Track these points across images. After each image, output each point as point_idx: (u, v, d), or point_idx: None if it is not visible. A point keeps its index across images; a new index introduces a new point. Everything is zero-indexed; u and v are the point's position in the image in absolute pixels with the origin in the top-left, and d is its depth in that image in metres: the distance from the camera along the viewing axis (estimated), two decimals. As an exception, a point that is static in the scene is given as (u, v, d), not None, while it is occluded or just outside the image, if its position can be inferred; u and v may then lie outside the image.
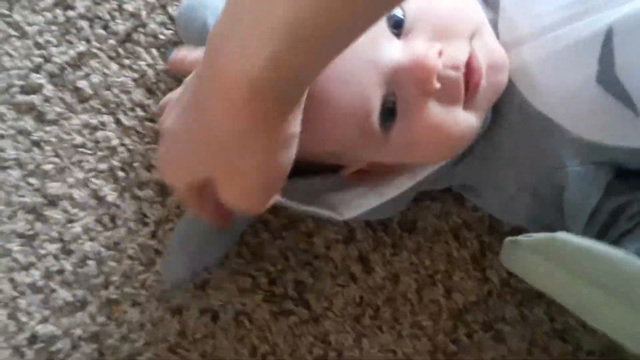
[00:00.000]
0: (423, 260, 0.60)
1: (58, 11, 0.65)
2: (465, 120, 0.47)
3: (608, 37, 0.44)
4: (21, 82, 0.64)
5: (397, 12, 0.47)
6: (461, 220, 0.60)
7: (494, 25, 0.50)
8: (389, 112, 0.47)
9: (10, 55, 0.65)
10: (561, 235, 0.40)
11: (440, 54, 0.45)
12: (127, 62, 0.64)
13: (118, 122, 0.63)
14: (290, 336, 0.59)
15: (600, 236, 0.46)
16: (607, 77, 0.44)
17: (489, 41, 0.48)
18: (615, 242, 0.44)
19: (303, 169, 0.48)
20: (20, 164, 0.63)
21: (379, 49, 0.45)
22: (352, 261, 0.60)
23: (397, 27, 0.47)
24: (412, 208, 0.60)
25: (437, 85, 0.45)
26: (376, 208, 0.53)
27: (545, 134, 0.47)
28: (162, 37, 0.64)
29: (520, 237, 0.44)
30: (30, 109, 0.64)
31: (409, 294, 0.59)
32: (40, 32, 0.65)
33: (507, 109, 0.49)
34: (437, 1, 0.48)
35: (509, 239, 0.45)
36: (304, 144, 0.41)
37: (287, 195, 0.53)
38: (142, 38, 0.64)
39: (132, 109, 0.63)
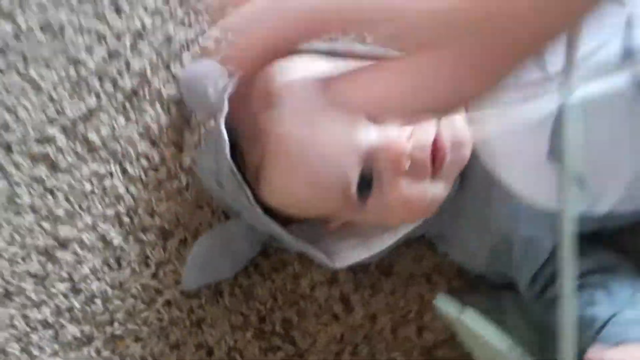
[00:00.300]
0: (398, 301, 0.66)
1: (71, 68, 0.71)
2: (432, 190, 0.54)
3: (560, 115, 0.51)
4: (36, 134, 0.70)
5: None
6: (433, 265, 0.66)
7: None
8: (366, 184, 0.53)
9: (26, 109, 0.71)
10: (466, 316, 0.47)
11: (410, 136, 0.52)
12: (133, 116, 0.70)
13: (124, 171, 0.70)
14: (278, 370, 0.66)
15: (542, 293, 0.53)
16: (558, 152, 0.51)
17: (455, 120, 0.55)
18: (552, 302, 0.51)
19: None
20: (34, 209, 0.69)
21: (358, 131, 0.52)
22: (334, 301, 0.66)
23: None
24: (389, 253, 0.67)
25: (407, 165, 0.52)
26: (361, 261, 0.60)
27: (503, 200, 0.54)
28: (165, 93, 0.71)
29: (436, 303, 0.51)
30: (44, 158, 0.70)
31: (385, 331, 0.66)
32: (54, 88, 0.71)
33: (472, 176, 0.56)
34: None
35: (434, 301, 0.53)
36: (284, 206, 0.47)
37: (294, 233, 0.60)
38: (147, 94, 0.71)
39: (137, 159, 0.70)
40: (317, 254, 0.60)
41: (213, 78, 0.62)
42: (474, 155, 0.55)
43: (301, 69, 0.56)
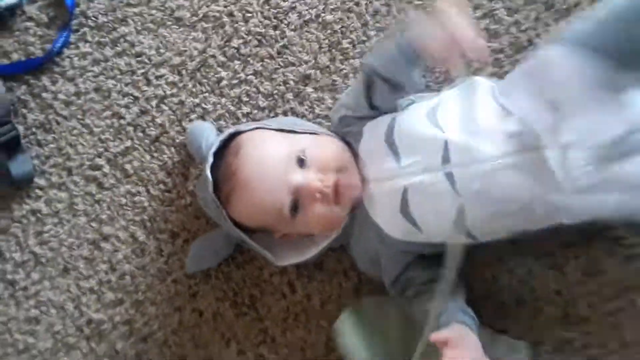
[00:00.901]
0: (325, 286, 0.99)
1: (114, 120, 1.05)
2: (337, 211, 0.87)
3: (405, 191, 0.84)
4: (89, 162, 1.04)
5: (302, 155, 0.86)
6: (349, 264, 0.99)
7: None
8: (294, 207, 0.87)
9: (83, 145, 1.04)
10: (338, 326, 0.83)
11: (320, 180, 0.85)
12: (155, 154, 1.04)
13: (148, 191, 1.03)
14: (245, 328, 1.00)
15: (402, 293, 0.87)
16: (405, 212, 0.85)
17: (351, 175, 0.87)
18: (410, 300, 0.86)
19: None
20: (86, 214, 1.03)
21: (290, 174, 0.85)
22: (284, 285, 1.00)
23: (301, 163, 0.87)
24: (320, 256, 1.00)
25: (318, 196, 0.84)
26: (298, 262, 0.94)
27: (374, 230, 0.87)
28: (178, 140, 1.04)
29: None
30: (94, 179, 1.04)
31: (316, 306, 0.98)
32: (102, 132, 1.04)
33: (358, 211, 0.89)
34: (324, 152, 0.87)
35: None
36: (245, 221, 0.82)
37: (254, 239, 0.93)
38: (165, 140, 1.04)
39: (157, 184, 1.03)
40: (267, 254, 0.94)
41: (206, 137, 0.95)
42: (361, 200, 0.88)
43: (259, 138, 0.90)
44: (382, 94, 0.89)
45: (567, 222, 0.82)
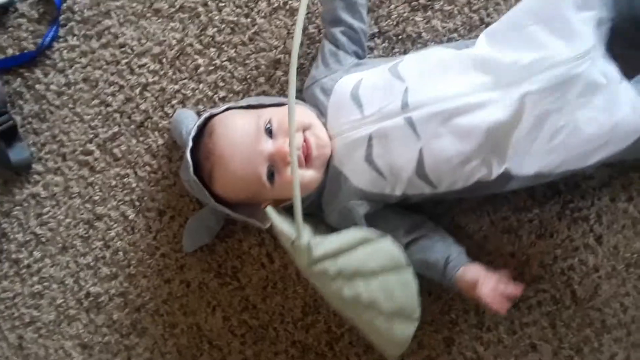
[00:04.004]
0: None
1: (102, 107, 1.12)
2: (308, 174, 0.93)
3: (370, 138, 0.91)
4: (81, 148, 1.12)
5: (269, 124, 0.93)
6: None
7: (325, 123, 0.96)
8: (271, 174, 0.94)
9: (75, 132, 1.12)
10: (308, 243, 0.87)
11: (289, 143, 0.89)
12: (141, 139, 1.11)
13: (135, 173, 1.11)
14: (228, 296, 1.08)
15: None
16: (370, 159, 0.91)
17: (316, 131, 0.93)
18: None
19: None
20: (81, 196, 1.12)
21: (262, 145, 0.92)
22: (263, 256, 1.08)
23: (269, 132, 0.94)
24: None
25: (289, 159, 0.89)
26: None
27: (342, 181, 0.94)
28: (161, 124, 1.11)
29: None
30: (86, 163, 1.12)
31: (293, 275, 1.06)
32: (92, 119, 1.12)
33: (330, 168, 0.95)
34: (286, 117, 0.90)
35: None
36: (232, 195, 0.90)
37: (239, 211, 1.00)
38: (150, 125, 1.12)
39: (144, 166, 1.11)
40: (254, 222, 1.00)
41: (186, 124, 1.03)
42: (331, 156, 0.95)
43: (228, 117, 0.97)
44: (348, 40, 1.00)
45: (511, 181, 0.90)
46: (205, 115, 1.00)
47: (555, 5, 0.87)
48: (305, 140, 0.93)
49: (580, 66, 0.84)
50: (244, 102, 1.02)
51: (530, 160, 0.88)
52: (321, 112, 0.97)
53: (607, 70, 0.85)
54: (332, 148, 0.95)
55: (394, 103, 0.90)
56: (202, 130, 0.99)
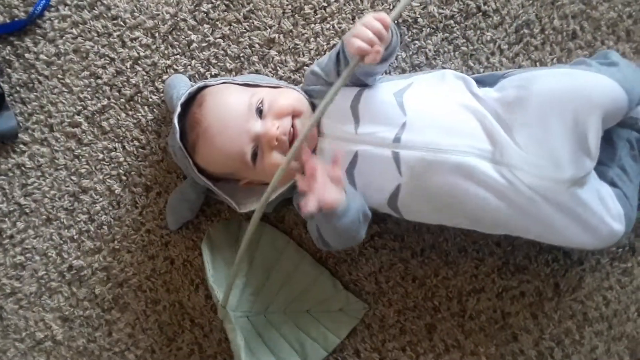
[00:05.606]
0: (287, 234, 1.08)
1: (92, 79, 1.11)
2: (292, 164, 0.93)
3: (356, 155, 0.91)
4: (69, 120, 1.11)
5: (260, 104, 0.93)
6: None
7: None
8: (255, 154, 0.94)
9: (63, 103, 1.11)
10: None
11: (277, 127, 0.91)
12: (130, 113, 1.10)
13: (124, 147, 1.10)
14: (213, 274, 1.08)
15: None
16: (350, 173, 0.92)
17: (306, 121, 0.93)
18: None
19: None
20: (66, 168, 1.10)
21: (250, 124, 0.92)
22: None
23: (260, 113, 0.94)
24: (281, 208, 1.07)
25: (275, 143, 0.91)
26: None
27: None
28: (151, 99, 1.10)
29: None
30: (74, 135, 1.11)
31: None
32: (81, 91, 1.11)
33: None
34: (280, 99, 0.93)
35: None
36: (213, 169, 0.90)
37: (219, 187, 1.00)
38: (139, 99, 1.10)
39: (132, 140, 1.10)
40: (230, 202, 1.01)
41: (178, 88, 1.02)
42: (315, 152, 0.94)
43: (222, 90, 0.97)
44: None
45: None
46: (200, 84, 1.00)
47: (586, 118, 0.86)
48: (293, 126, 0.93)
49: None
50: (240, 79, 1.01)
51: None
52: (312, 96, 0.98)
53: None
54: (318, 145, 0.95)
55: (388, 133, 0.91)
56: (194, 98, 0.99)
